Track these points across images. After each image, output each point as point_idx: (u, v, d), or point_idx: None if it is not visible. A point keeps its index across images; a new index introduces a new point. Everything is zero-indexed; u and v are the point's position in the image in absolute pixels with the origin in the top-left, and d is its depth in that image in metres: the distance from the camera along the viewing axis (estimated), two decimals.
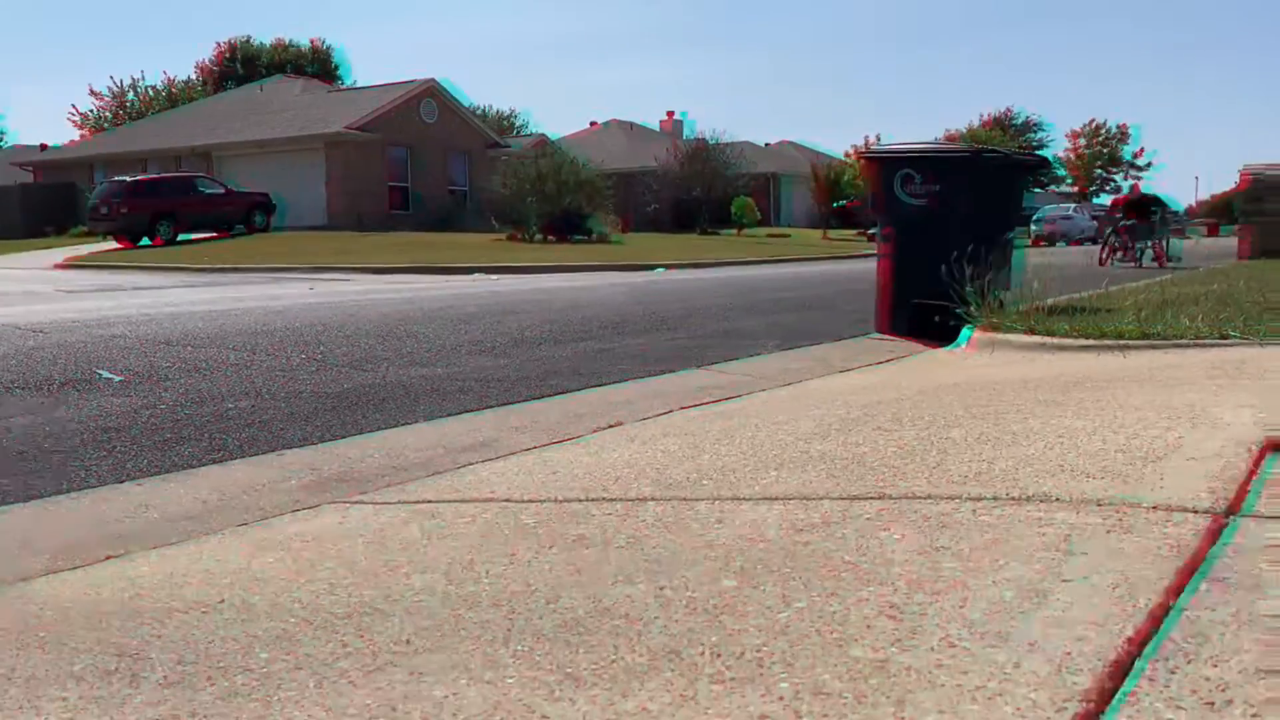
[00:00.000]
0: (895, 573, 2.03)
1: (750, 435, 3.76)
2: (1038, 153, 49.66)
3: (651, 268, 21.86)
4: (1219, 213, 76.22)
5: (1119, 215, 21.66)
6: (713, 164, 48.09)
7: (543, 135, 54.78)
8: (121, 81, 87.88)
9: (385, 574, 2.35)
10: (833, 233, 49.13)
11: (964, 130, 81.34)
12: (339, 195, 39.05)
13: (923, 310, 7.28)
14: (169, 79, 74.00)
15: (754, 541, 2.33)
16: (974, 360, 5.84)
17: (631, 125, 64.94)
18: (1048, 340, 5.71)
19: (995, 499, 2.52)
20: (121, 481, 3.65)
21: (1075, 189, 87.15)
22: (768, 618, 1.85)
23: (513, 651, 1.80)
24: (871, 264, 8.85)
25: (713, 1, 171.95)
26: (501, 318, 9.48)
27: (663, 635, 1.82)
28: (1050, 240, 43.72)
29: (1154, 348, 5.19)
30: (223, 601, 2.24)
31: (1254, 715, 1.39)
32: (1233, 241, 21.94)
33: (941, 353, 6.45)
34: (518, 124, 77.85)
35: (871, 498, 2.64)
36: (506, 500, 3.01)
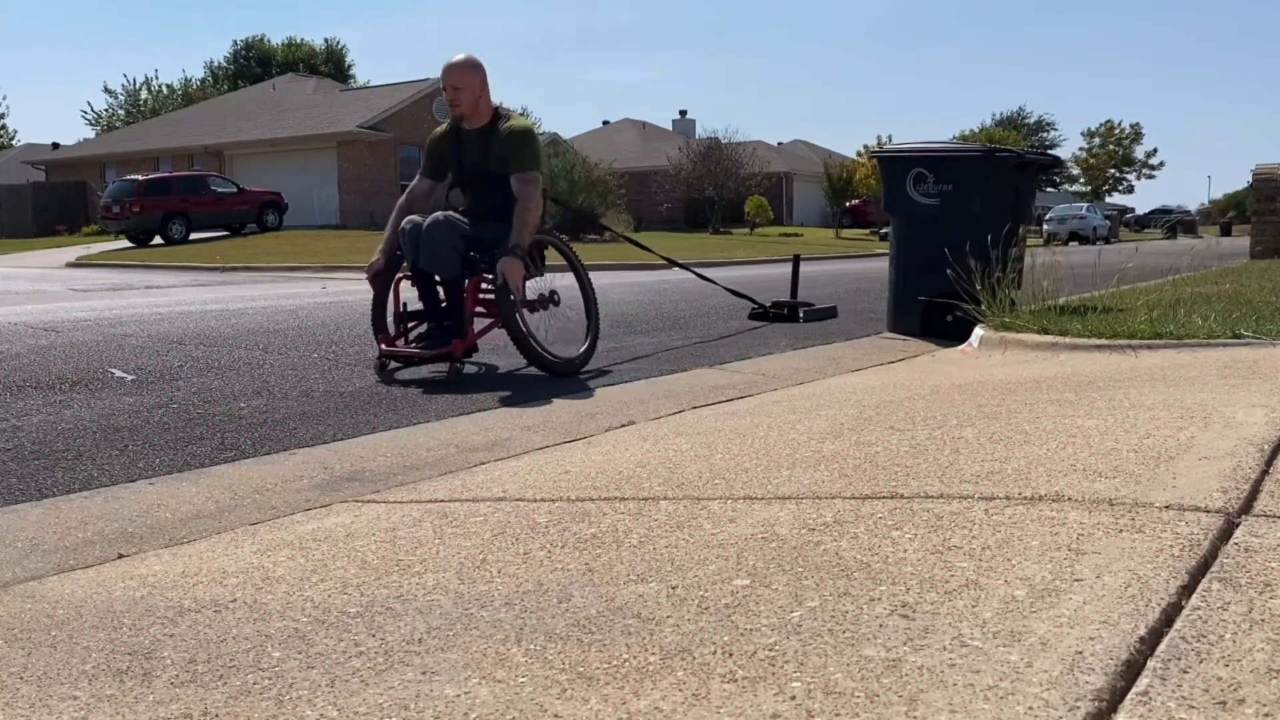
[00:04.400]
0: (907, 572, 2.03)
1: (762, 434, 3.76)
2: (1050, 152, 49.74)
3: (660, 267, 21.82)
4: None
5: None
6: (725, 163, 48.09)
7: (555, 134, 54.83)
8: (135, 80, 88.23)
9: (397, 573, 2.36)
10: (845, 232, 49.14)
11: (976, 130, 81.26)
12: (351, 194, 39.15)
13: (934, 309, 7.28)
14: (184, 78, 74.27)
15: (766, 540, 2.33)
16: (986, 360, 5.83)
17: (644, 124, 65.01)
18: (1060, 340, 5.70)
19: (1007, 498, 2.51)
20: (133, 480, 3.65)
21: (1088, 188, 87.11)
22: (780, 617, 1.85)
23: (525, 650, 1.80)
24: (883, 263, 8.86)
25: (725, 0, 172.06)
26: None
27: (675, 634, 1.82)
28: (1063, 240, 43.67)
29: (1166, 347, 5.17)
30: (235, 600, 2.25)
31: (1266, 715, 1.38)
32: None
33: (953, 352, 6.44)
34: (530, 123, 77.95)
35: (884, 497, 2.64)
36: (519, 499, 3.02)
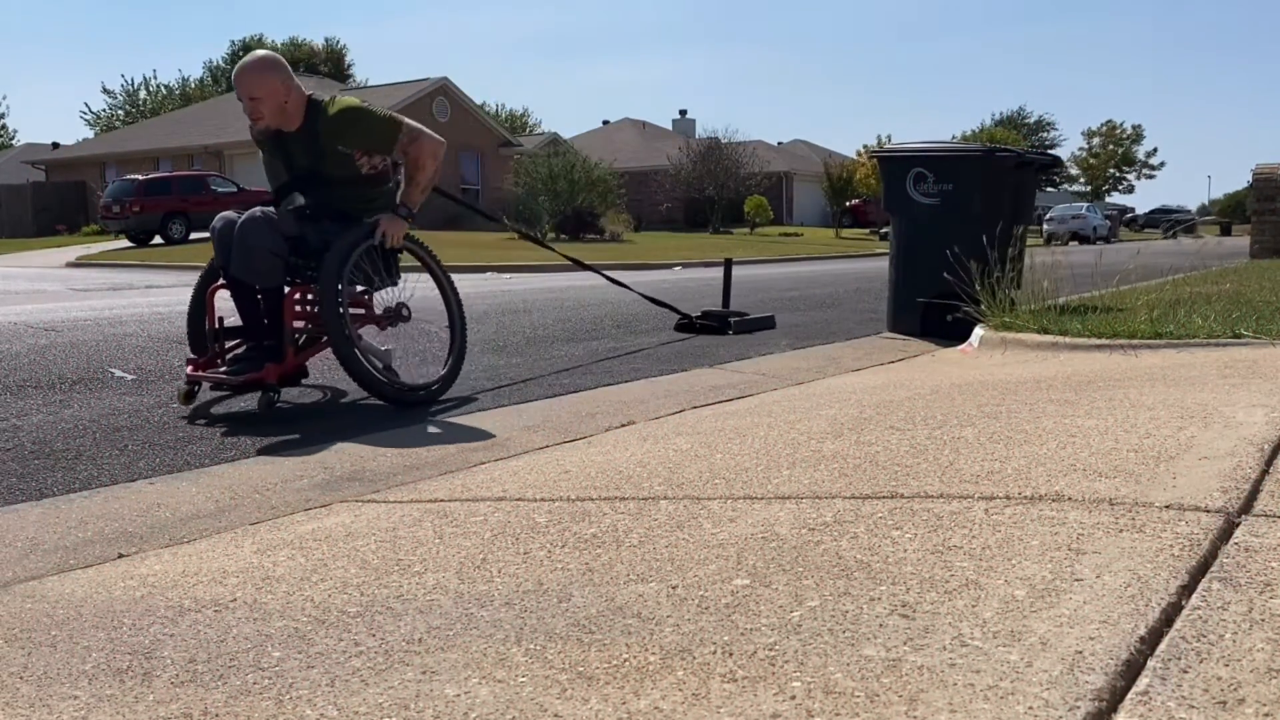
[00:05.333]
0: (907, 571, 2.03)
1: (762, 434, 3.76)
2: (1050, 152, 49.64)
3: (661, 266, 21.89)
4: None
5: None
6: (725, 163, 48.10)
7: (555, 134, 54.85)
8: (133, 80, 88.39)
9: (397, 572, 2.36)
10: (845, 232, 49.18)
11: (976, 130, 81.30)
12: None
13: (934, 309, 7.28)
14: (181, 78, 74.42)
15: (766, 540, 2.33)
16: (986, 359, 5.83)
17: (644, 124, 65.02)
18: (1060, 339, 5.70)
19: (1007, 498, 2.51)
20: (133, 480, 3.66)
21: (1088, 188, 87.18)
22: (779, 617, 1.85)
23: (525, 650, 1.80)
24: (883, 263, 8.84)
25: (726, 0, 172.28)
26: (513, 316, 9.49)
27: (675, 634, 1.82)
28: (1062, 239, 43.63)
29: (1167, 347, 5.18)
30: (235, 600, 2.25)
31: (1266, 715, 1.38)
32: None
33: (953, 352, 6.44)
34: (530, 123, 78.08)
35: (884, 497, 2.64)
36: (519, 499, 3.02)
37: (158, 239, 31.61)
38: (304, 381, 5.44)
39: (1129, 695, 1.46)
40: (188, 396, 4.99)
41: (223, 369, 5.03)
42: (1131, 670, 1.53)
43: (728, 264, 9.01)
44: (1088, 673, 1.52)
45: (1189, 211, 75.93)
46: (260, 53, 5.12)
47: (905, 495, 2.63)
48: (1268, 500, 2.36)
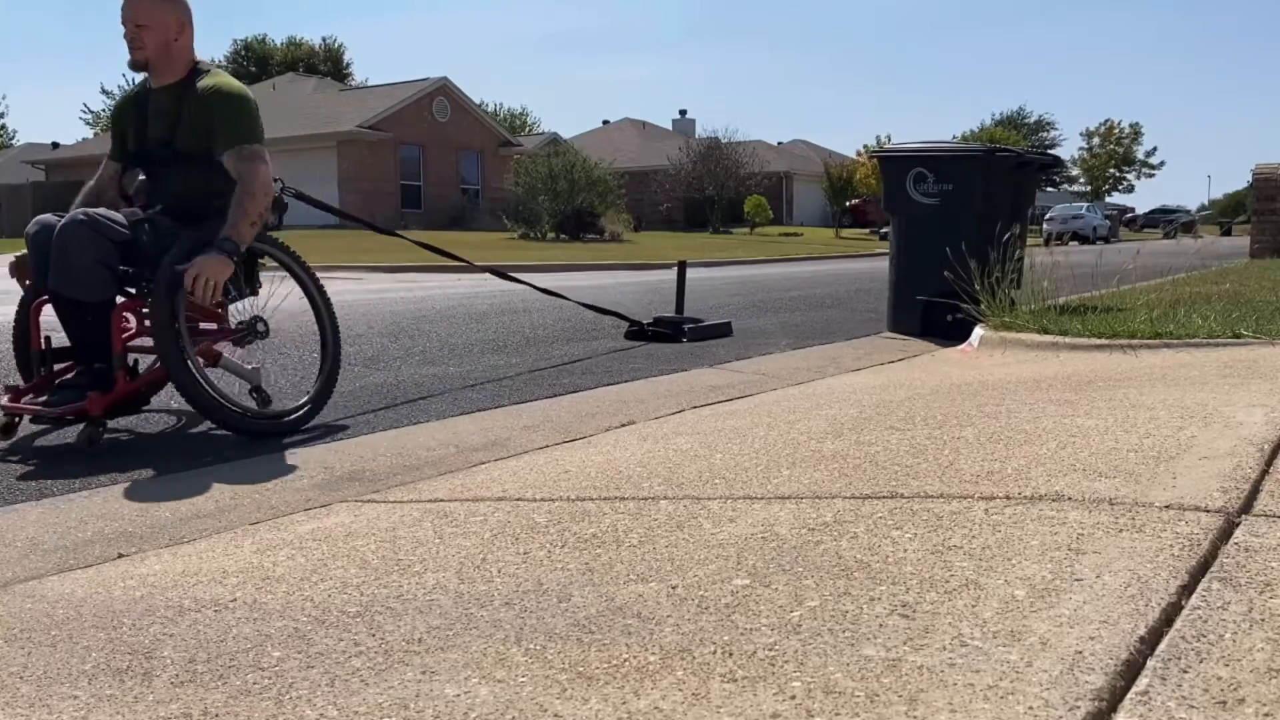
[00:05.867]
0: (907, 571, 2.03)
1: (762, 434, 3.75)
2: (1050, 152, 49.50)
3: (661, 266, 21.87)
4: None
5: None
6: (725, 163, 48.10)
7: (555, 134, 54.84)
8: (133, 80, 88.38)
9: (397, 572, 2.36)
10: (845, 232, 49.17)
11: (976, 130, 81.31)
12: (350, 194, 39.15)
13: (934, 309, 7.28)
14: None
15: (766, 540, 2.33)
16: (986, 359, 5.83)
17: (644, 124, 65.01)
18: (1060, 339, 5.70)
19: (1007, 498, 2.51)
20: (133, 480, 3.65)
21: (1088, 188, 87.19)
22: (779, 617, 1.85)
23: (525, 650, 1.80)
24: (883, 263, 8.83)
25: (726, 0, 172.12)
26: (513, 316, 9.50)
27: (675, 634, 1.82)
28: (1062, 239, 43.47)
29: (1166, 346, 5.17)
30: (234, 600, 2.24)
31: (1266, 715, 1.38)
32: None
33: (953, 351, 6.44)
34: (530, 123, 78.10)
35: (884, 497, 2.64)
36: (518, 499, 3.01)
37: None
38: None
39: (1129, 695, 1.46)
40: (5, 430, 4.24)
41: (41, 399, 4.23)
42: (1131, 670, 1.53)
43: (681, 267, 8.59)
44: (1088, 673, 1.52)
45: (1189, 211, 75.98)
46: None
47: (905, 495, 2.63)
48: (1268, 500, 2.36)
